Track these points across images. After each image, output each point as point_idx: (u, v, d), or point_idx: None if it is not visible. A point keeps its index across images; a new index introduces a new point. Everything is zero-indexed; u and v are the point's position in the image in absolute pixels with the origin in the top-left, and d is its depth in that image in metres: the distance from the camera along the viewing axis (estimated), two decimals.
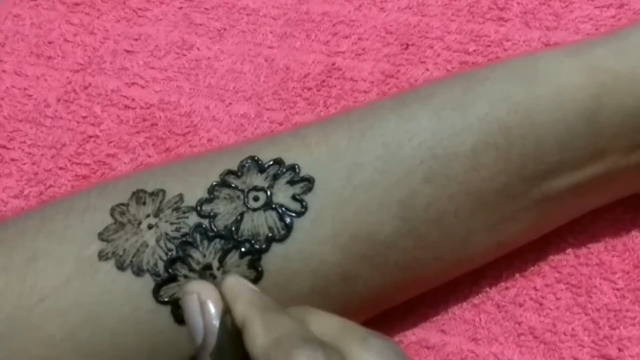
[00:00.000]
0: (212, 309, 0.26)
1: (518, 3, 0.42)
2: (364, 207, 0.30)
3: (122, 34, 0.44)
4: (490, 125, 0.31)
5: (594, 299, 0.35)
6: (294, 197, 0.30)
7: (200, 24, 0.44)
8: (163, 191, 0.31)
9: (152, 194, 0.31)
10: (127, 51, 0.44)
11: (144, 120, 0.42)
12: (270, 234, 0.30)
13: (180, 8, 0.45)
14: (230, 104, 0.42)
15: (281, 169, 0.31)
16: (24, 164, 0.41)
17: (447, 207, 0.30)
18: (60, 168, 0.41)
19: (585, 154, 0.31)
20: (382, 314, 0.35)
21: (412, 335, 0.35)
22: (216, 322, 0.26)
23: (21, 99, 0.43)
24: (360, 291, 0.31)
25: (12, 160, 0.41)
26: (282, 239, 0.30)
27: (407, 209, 0.30)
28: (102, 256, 0.30)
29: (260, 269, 0.29)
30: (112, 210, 0.31)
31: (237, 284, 0.26)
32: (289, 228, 0.30)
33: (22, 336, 0.29)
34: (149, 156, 0.41)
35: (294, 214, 0.30)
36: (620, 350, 0.34)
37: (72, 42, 0.44)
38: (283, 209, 0.30)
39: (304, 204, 0.30)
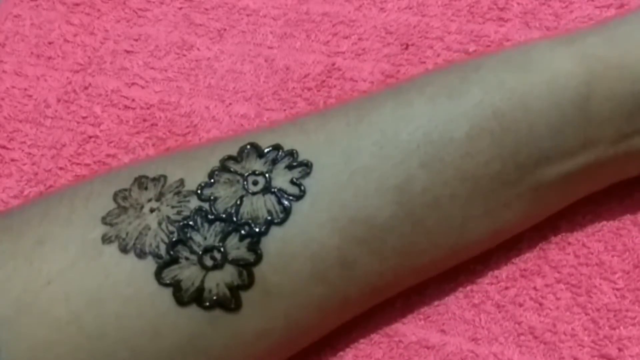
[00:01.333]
0: None
1: (518, 3, 0.42)
2: (361, 191, 0.31)
3: (122, 35, 0.44)
4: (485, 111, 0.31)
5: (594, 299, 0.35)
6: (292, 181, 0.31)
7: (201, 25, 0.44)
8: (164, 176, 0.31)
9: (153, 179, 0.31)
10: (127, 51, 0.44)
11: (144, 120, 0.42)
12: (269, 217, 0.30)
13: (181, 8, 0.45)
14: (230, 104, 0.42)
15: (280, 154, 0.31)
16: (24, 164, 0.41)
17: (443, 192, 0.31)
18: (60, 168, 0.41)
19: (576, 142, 0.32)
20: (381, 315, 0.35)
21: (412, 335, 0.35)
22: None
23: (21, 99, 0.43)
24: (359, 277, 0.31)
25: (12, 160, 0.41)
26: (280, 222, 0.30)
27: (404, 193, 0.31)
28: (105, 239, 0.30)
29: (259, 251, 0.30)
30: (115, 195, 0.31)
31: None
32: (287, 211, 0.30)
33: (29, 320, 0.29)
34: (149, 156, 0.41)
35: (292, 198, 0.30)
36: (620, 350, 0.34)
37: (72, 42, 0.44)
38: (282, 192, 0.30)
39: (302, 187, 0.31)
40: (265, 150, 0.32)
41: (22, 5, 0.45)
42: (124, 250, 0.30)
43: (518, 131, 0.31)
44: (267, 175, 0.31)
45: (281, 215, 0.30)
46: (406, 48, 0.42)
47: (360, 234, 0.31)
